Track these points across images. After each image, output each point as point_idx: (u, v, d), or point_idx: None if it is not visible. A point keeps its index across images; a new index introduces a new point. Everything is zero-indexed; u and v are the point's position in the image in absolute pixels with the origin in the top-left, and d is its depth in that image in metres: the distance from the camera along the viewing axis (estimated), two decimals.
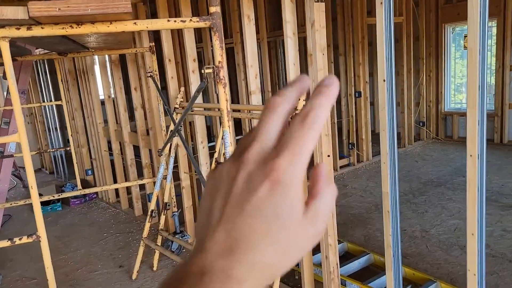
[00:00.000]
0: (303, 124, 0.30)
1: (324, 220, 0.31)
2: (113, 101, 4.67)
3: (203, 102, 4.53)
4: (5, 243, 1.63)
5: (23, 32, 1.48)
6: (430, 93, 6.90)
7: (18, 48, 2.71)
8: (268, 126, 0.31)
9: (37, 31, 1.49)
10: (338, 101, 6.05)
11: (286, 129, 0.31)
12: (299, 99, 0.33)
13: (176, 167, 3.72)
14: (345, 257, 3.25)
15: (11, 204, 3.35)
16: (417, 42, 6.64)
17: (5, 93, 8.24)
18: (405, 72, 6.42)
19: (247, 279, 0.28)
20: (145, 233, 3.37)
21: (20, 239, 1.65)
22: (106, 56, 4.49)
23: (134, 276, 3.31)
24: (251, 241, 0.29)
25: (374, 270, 3.07)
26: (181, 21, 1.61)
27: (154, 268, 3.40)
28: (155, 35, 3.68)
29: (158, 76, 3.53)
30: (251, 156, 0.30)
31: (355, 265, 3.09)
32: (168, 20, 1.60)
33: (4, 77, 3.59)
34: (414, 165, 5.69)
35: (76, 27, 1.52)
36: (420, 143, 6.85)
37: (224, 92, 1.75)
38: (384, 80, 1.91)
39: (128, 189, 4.85)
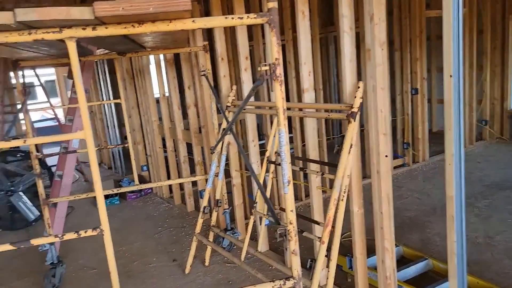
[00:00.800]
0: None
1: None
2: (167, 99, 4.80)
3: (253, 100, 4.53)
4: (71, 235, 1.71)
5: (88, 32, 1.53)
6: (494, 89, 6.45)
7: (81, 48, 2.85)
8: None
9: (101, 31, 1.54)
10: (393, 99, 5.82)
11: None
12: None
13: (227, 164, 3.75)
14: (400, 262, 3.10)
15: (74, 197, 3.54)
16: (481, 36, 6.22)
17: (69, 92, 8.79)
18: (467, 68, 6.05)
19: None
20: (198, 228, 3.43)
21: (85, 232, 1.73)
22: (161, 55, 4.62)
23: (187, 271, 3.38)
24: None
25: (433, 277, 2.91)
26: (239, 18, 1.60)
27: (206, 263, 3.46)
28: (207, 34, 3.73)
29: (211, 75, 3.57)
30: None
31: (412, 271, 2.95)
32: (226, 17, 1.60)
33: (69, 76, 3.80)
34: (476, 167, 5.34)
35: (137, 26, 1.56)
36: (482, 143, 6.42)
37: (280, 90, 1.72)
38: (451, 76, 1.78)
39: (181, 185, 4.98)
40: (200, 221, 3.44)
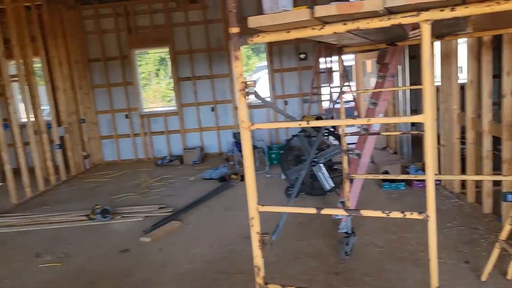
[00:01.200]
0: None
1: None
2: (476, 86, 4.34)
3: None
4: (397, 214, 1.79)
5: (446, 14, 1.50)
6: None
7: (403, 31, 2.86)
8: None
9: (460, 12, 1.48)
10: None
11: None
12: None
13: None
14: None
15: (373, 176, 3.75)
16: None
17: (365, 78, 9.34)
18: None
19: None
20: (504, 235, 3.01)
21: (411, 214, 1.77)
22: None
23: (483, 278, 3.04)
24: None
25: None
26: None
27: (508, 277, 3.01)
28: None
29: None
30: None
31: None
32: None
33: (378, 61, 3.97)
34: None
35: (503, 3, 1.41)
36: None
37: None
38: None
39: (477, 183, 4.48)
40: (508, 227, 3.00)
